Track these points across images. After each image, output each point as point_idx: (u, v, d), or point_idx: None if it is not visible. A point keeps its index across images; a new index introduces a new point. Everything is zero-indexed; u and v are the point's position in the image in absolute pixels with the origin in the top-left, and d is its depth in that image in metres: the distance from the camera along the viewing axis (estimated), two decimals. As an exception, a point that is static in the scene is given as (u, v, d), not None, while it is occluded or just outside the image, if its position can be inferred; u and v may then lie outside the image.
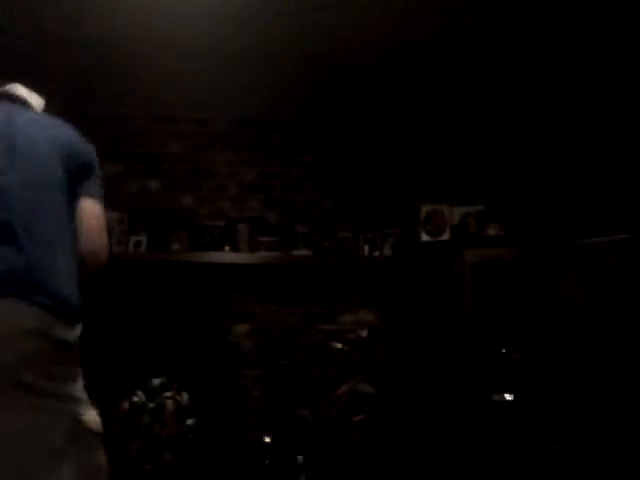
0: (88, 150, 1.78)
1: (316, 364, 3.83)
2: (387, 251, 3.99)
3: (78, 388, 1.68)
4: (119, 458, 3.64)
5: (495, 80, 3.71)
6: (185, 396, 3.76)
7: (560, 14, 3.04)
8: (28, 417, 1.43)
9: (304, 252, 3.96)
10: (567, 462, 3.22)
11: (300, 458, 3.51)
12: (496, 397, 3.49)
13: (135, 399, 3.71)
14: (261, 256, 3.92)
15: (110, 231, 1.86)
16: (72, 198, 1.68)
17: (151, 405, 3.71)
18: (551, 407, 3.34)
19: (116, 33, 3.19)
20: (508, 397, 3.47)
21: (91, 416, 1.66)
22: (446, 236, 3.91)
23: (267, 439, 3.61)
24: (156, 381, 3.76)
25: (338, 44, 3.33)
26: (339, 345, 3.79)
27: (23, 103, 1.80)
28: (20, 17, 3.05)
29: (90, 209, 1.72)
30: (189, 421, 3.72)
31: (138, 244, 3.92)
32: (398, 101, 4.01)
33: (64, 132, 1.74)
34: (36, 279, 1.51)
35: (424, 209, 4.00)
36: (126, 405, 3.69)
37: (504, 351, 3.52)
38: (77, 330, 1.69)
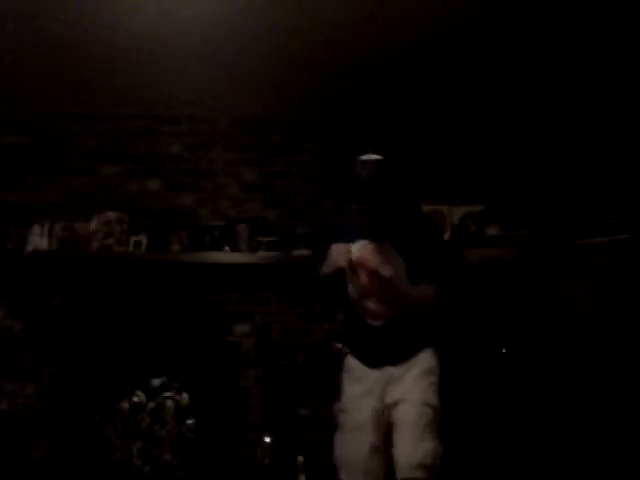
0: None
1: (316, 364, 3.83)
2: (387, 251, 3.99)
3: None
4: (119, 458, 3.64)
5: (495, 80, 3.71)
6: (185, 396, 3.76)
7: (559, 15, 3.04)
8: None
9: (304, 252, 3.95)
10: (567, 462, 3.22)
11: (300, 458, 3.51)
12: (495, 397, 3.49)
13: (135, 399, 3.72)
14: (261, 256, 3.92)
15: None
16: None
17: (151, 405, 3.72)
18: (551, 407, 3.34)
19: (116, 34, 3.19)
20: (508, 397, 3.47)
21: None
22: (446, 236, 3.91)
23: (267, 439, 3.60)
24: (156, 381, 3.76)
25: (338, 44, 3.33)
26: (339, 345, 3.78)
27: None
28: (22, 19, 3.05)
29: None
30: (189, 421, 3.72)
31: (138, 244, 3.92)
32: (398, 101, 4.01)
33: None
34: None
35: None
36: (126, 405, 3.69)
37: (504, 351, 3.53)
38: None
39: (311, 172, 4.22)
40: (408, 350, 2.48)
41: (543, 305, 3.43)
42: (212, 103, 4.04)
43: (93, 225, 3.92)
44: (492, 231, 3.81)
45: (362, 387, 2.50)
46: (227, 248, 3.94)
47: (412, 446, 2.35)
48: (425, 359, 2.49)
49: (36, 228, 3.89)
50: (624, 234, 3.26)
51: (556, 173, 3.95)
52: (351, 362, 2.59)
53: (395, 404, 2.43)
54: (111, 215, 3.94)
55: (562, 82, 3.70)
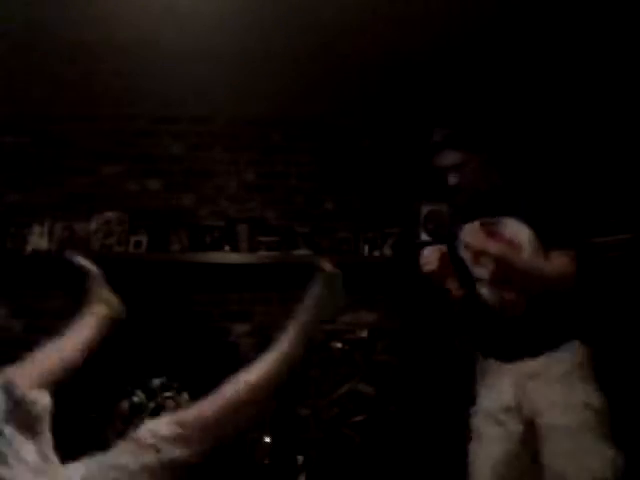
0: None
1: (316, 364, 3.83)
2: (387, 251, 3.99)
3: None
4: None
5: (494, 80, 3.71)
6: (185, 396, 3.76)
7: (560, 17, 3.04)
8: None
9: (304, 252, 3.95)
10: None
11: (300, 458, 3.50)
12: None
13: (135, 399, 3.71)
14: (261, 256, 3.91)
15: None
16: None
17: (151, 405, 3.71)
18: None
19: (116, 35, 3.19)
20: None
21: None
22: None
23: (267, 439, 3.60)
24: (156, 381, 3.76)
25: (338, 45, 3.33)
26: (339, 345, 3.78)
27: None
28: (20, 20, 3.05)
29: None
30: (189, 421, 3.71)
31: (138, 244, 3.92)
32: (398, 101, 4.01)
33: None
34: None
35: (424, 209, 3.99)
36: (126, 405, 3.69)
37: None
38: None
39: (311, 172, 4.22)
40: (547, 340, 2.18)
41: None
42: (212, 103, 4.04)
43: (93, 225, 3.92)
44: (492, 231, 3.80)
45: (498, 389, 2.25)
46: (227, 248, 3.94)
47: (579, 459, 2.01)
48: (571, 353, 2.17)
49: (36, 228, 3.89)
50: (624, 234, 3.26)
51: (555, 173, 3.94)
52: (484, 362, 2.36)
53: (544, 409, 2.11)
54: (111, 215, 3.94)
55: (562, 82, 3.70)
